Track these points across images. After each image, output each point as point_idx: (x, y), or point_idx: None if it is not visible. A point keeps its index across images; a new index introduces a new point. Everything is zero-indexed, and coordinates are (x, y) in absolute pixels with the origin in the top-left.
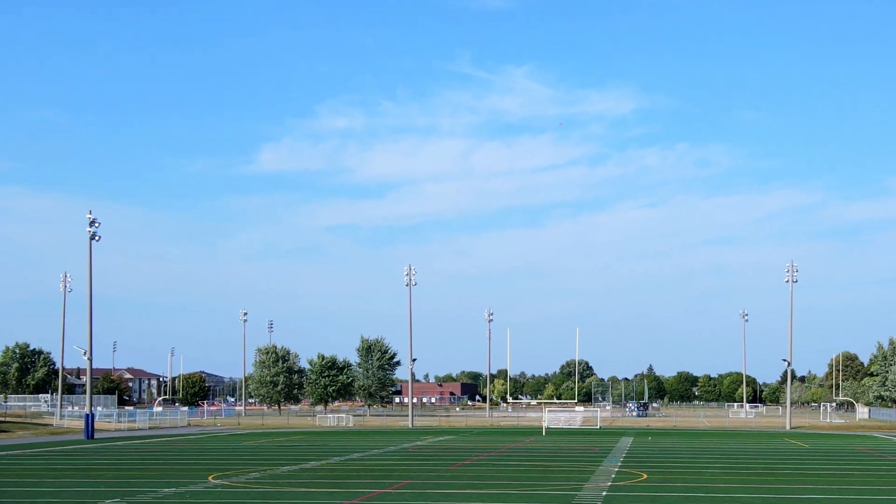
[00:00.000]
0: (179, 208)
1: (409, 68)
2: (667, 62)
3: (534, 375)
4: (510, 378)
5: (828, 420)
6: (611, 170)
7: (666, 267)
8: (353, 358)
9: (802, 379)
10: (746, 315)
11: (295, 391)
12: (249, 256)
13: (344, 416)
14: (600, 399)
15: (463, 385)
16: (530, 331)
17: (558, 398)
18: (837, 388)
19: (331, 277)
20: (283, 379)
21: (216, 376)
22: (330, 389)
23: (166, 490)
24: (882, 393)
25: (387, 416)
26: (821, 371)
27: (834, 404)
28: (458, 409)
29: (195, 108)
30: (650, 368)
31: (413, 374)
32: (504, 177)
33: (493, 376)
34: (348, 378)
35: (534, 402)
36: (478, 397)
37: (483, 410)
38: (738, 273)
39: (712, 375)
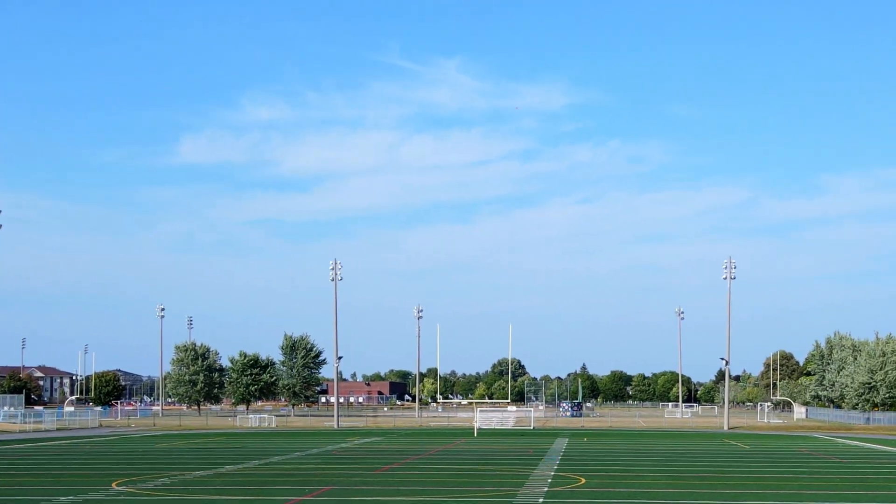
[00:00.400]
0: (95, 200)
1: (335, 58)
2: (599, 57)
3: (465, 374)
4: (440, 377)
5: (766, 420)
6: (543, 165)
7: (599, 264)
8: (278, 356)
9: (737, 378)
10: (682, 313)
11: (215, 391)
12: (169, 250)
13: (266, 416)
14: (533, 399)
15: (391, 384)
16: (461, 329)
17: (490, 398)
18: (773, 388)
19: (254, 273)
20: (203, 378)
21: (133, 375)
22: (252, 389)
23: (62, 499)
24: (819, 392)
25: (312, 416)
26: (756, 370)
27: (770, 404)
28: (385, 409)
29: (112, 97)
30: (583, 367)
31: (339, 373)
32: (434, 171)
33: (422, 375)
34: (272, 377)
35: (465, 401)
36: (407, 397)
37: (412, 410)
38: (672, 271)
39: (646, 375)
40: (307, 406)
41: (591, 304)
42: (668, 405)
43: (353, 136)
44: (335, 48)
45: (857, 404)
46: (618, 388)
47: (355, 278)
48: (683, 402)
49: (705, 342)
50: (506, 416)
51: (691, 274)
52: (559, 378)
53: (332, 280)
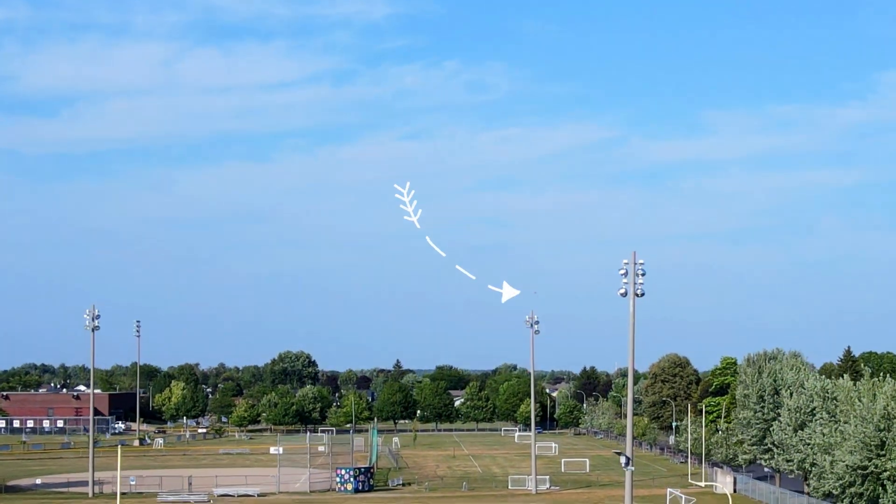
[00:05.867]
0: None
1: None
2: None
3: (239, 369)
4: (195, 379)
5: None
6: (360, 91)
7: (428, 216)
8: None
9: (607, 390)
10: (537, 321)
11: None
12: None
13: None
14: (312, 429)
15: (114, 398)
16: (247, 302)
17: (254, 422)
18: (659, 413)
19: None
20: None
21: None
22: None
23: None
24: (758, 456)
25: None
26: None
27: (683, 496)
28: (47, 475)
29: None
30: (398, 364)
31: None
32: (220, 95)
33: (169, 377)
34: None
35: (220, 425)
36: (123, 424)
37: (124, 453)
38: (518, 225)
39: (485, 372)
40: None
41: (411, 272)
42: (514, 433)
43: (115, 47)
44: None
45: (836, 496)
46: (442, 404)
47: (114, 228)
48: (538, 424)
49: (558, 325)
50: None
51: (542, 229)
52: (365, 380)
53: None
